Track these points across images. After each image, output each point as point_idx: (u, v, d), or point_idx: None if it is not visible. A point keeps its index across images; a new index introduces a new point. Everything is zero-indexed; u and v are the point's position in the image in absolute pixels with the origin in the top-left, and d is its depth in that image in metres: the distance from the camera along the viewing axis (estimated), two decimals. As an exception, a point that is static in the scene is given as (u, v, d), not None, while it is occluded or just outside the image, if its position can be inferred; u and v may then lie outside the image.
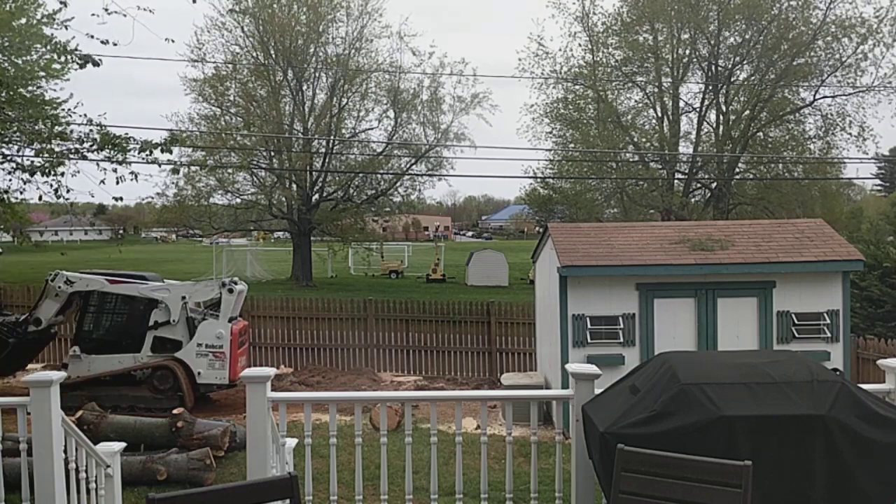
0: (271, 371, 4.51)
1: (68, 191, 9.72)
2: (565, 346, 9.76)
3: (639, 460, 3.35)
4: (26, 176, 9.90)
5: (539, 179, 32.32)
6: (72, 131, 9.34)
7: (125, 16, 7.98)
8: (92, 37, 8.50)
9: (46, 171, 9.26)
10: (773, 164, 29.88)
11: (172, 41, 9.72)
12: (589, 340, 9.69)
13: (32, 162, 9.74)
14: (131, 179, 9.33)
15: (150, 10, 8.22)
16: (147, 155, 8.89)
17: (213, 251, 43.51)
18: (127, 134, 8.89)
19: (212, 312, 11.81)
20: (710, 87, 30.26)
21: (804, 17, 28.37)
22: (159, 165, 9.28)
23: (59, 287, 11.46)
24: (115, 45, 8.52)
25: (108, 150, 8.91)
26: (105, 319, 12.03)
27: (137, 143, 8.85)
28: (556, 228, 11.08)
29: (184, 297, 11.53)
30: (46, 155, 9.10)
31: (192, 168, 32.14)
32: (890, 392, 4.46)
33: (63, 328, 14.01)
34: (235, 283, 11.86)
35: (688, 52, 29.99)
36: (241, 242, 52.14)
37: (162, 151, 8.92)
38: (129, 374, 11.40)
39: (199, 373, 11.33)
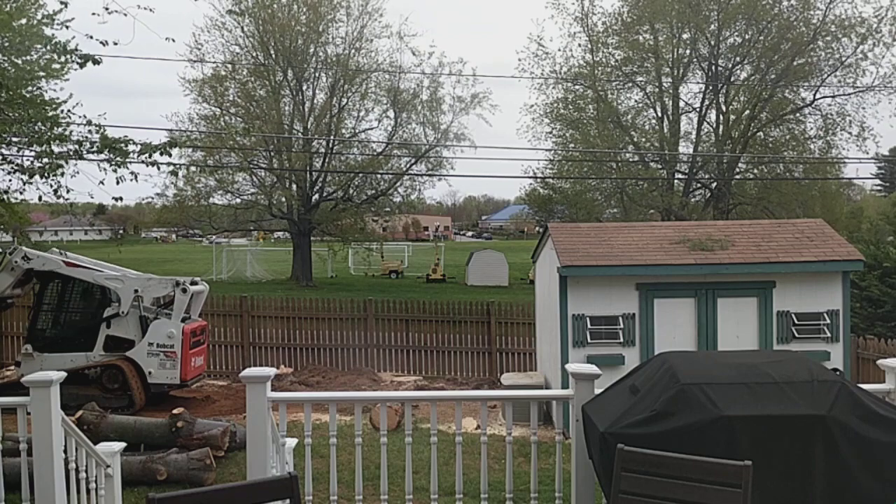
0: (271, 371, 4.51)
1: (68, 191, 9.69)
2: (565, 346, 9.75)
3: (639, 460, 3.35)
4: (25, 177, 9.89)
5: (539, 179, 32.31)
6: (71, 132, 9.32)
7: (125, 15, 7.96)
8: (91, 37, 8.47)
9: (45, 173, 9.24)
10: (774, 164, 29.88)
11: (173, 41, 9.67)
12: (589, 340, 9.68)
13: (32, 162, 9.72)
14: (131, 180, 9.29)
15: (150, 10, 8.20)
16: (147, 157, 8.85)
17: (213, 251, 43.52)
18: (126, 136, 8.86)
19: (165, 311, 11.77)
20: (710, 87, 30.26)
21: (804, 17, 28.38)
22: (158, 168, 9.24)
23: (16, 261, 11.45)
24: (115, 44, 8.50)
25: (107, 153, 8.88)
26: (58, 316, 12.03)
27: (137, 146, 8.82)
28: (556, 228, 11.08)
29: (136, 290, 11.48)
30: (46, 158, 9.08)
31: (192, 168, 32.16)
32: (890, 392, 4.46)
33: (18, 326, 14.05)
34: (195, 283, 11.83)
35: (688, 52, 29.99)
36: (241, 242, 52.12)
37: (161, 154, 8.89)
38: (80, 372, 11.32)
39: (149, 372, 11.28)
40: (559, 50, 53.72)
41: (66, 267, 11.62)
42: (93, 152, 9.02)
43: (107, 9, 7.97)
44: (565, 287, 9.76)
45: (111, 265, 12.30)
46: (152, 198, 35.83)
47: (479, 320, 14.89)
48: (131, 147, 8.82)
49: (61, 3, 8.84)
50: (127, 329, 11.57)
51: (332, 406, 4.62)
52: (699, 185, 31.69)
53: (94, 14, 8.08)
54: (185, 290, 11.55)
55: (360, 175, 36.04)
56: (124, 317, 11.52)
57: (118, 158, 8.84)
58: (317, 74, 36.20)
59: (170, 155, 9.05)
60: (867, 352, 11.61)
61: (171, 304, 11.70)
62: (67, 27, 9.22)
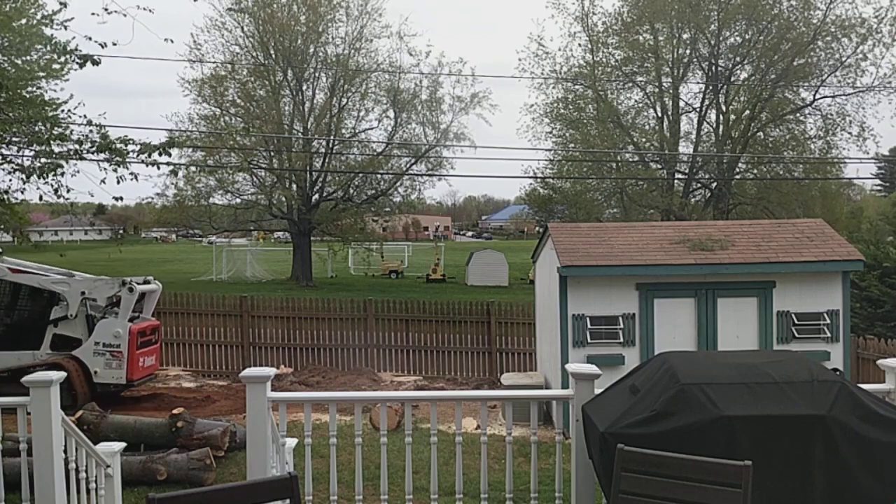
0: (271, 371, 4.50)
1: (68, 191, 9.72)
2: (565, 346, 9.75)
3: (639, 460, 3.35)
4: (25, 176, 9.91)
5: (539, 179, 32.32)
6: (71, 132, 9.34)
7: (125, 16, 7.97)
8: (90, 38, 8.48)
9: (44, 173, 9.26)
10: (774, 164, 29.89)
11: (171, 41, 9.69)
12: (589, 340, 9.68)
13: (32, 162, 9.75)
14: (131, 179, 9.31)
15: (150, 10, 8.21)
16: (146, 157, 8.86)
17: (213, 251, 43.52)
18: (126, 136, 8.88)
19: (114, 311, 11.71)
20: (710, 87, 30.26)
21: (804, 17, 28.39)
22: (158, 167, 9.25)
23: None
24: (114, 45, 8.51)
25: (107, 153, 8.90)
26: (6, 315, 12.02)
27: (137, 146, 8.84)
28: (556, 228, 11.08)
29: (83, 293, 11.48)
30: (45, 157, 9.10)
31: (192, 168, 32.16)
32: (890, 392, 4.45)
33: None
34: (147, 283, 11.80)
35: (688, 51, 30.00)
36: (241, 242, 52.11)
37: (160, 154, 8.90)
38: (27, 370, 11.30)
39: (95, 371, 11.22)
40: (559, 50, 53.76)
41: (11, 274, 11.69)
42: (93, 152, 9.04)
43: (106, 9, 7.99)
44: (565, 287, 9.76)
45: (59, 269, 12.38)
46: (152, 198, 35.86)
47: (479, 320, 14.90)
48: (131, 147, 8.83)
49: (61, 3, 8.85)
50: (74, 328, 11.54)
51: (332, 406, 4.62)
52: (699, 185, 31.69)
53: (93, 14, 8.08)
54: (131, 290, 11.49)
55: (360, 175, 36.04)
56: (74, 320, 11.52)
57: (118, 158, 8.85)
58: (317, 74, 36.21)
59: (169, 155, 9.06)
60: (867, 352, 11.62)
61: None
62: (67, 27, 9.23)
